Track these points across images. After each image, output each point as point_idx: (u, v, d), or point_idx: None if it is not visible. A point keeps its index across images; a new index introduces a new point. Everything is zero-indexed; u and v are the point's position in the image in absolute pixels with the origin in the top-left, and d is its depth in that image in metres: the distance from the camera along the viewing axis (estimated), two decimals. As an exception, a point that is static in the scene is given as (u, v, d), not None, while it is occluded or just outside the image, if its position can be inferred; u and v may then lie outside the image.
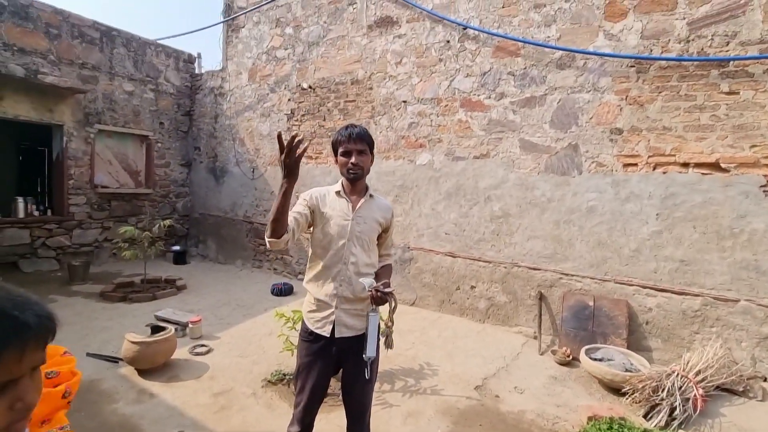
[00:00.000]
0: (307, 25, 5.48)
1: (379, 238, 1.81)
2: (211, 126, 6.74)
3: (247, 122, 6.27)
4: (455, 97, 4.44)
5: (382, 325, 1.72)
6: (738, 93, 3.18)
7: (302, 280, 5.45)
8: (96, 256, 6.00)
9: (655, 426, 2.50)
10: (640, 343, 3.57)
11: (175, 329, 3.47)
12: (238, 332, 3.97)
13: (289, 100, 5.75)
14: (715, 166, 3.29)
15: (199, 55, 7.00)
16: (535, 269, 4.10)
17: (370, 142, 1.73)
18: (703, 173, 3.34)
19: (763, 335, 3.14)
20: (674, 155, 3.44)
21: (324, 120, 5.44)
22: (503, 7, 4.11)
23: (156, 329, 3.26)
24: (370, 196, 1.79)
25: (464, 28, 4.31)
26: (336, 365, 1.74)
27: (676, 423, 2.60)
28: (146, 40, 6.32)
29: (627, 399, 2.83)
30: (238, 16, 6.10)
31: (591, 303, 3.75)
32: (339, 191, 1.74)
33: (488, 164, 4.29)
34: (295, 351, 2.89)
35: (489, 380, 3.19)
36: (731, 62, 3.19)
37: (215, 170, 6.78)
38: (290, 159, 1.42)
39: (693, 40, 3.32)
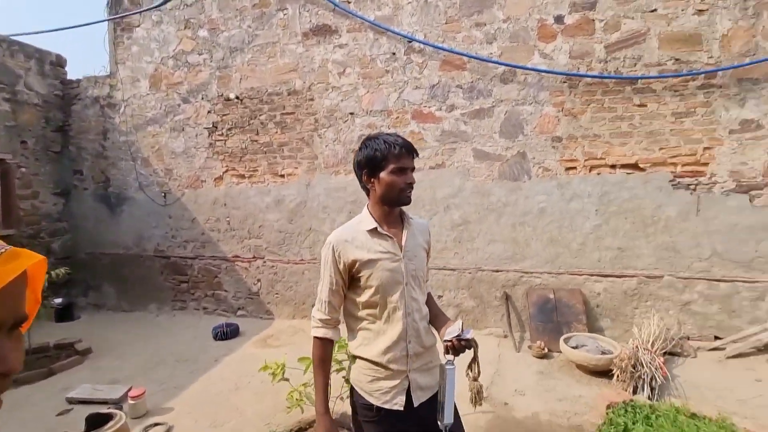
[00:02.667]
0: (227, 29, 4.85)
1: None
2: (99, 144, 5.46)
3: (152, 138, 5.25)
4: (406, 109, 4.42)
5: (466, 380, 1.43)
6: (646, 105, 3.85)
7: (243, 316, 4.79)
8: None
9: (646, 399, 2.82)
10: (595, 325, 4.04)
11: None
12: (195, 396, 3.26)
13: (209, 111, 5.00)
14: (636, 167, 3.92)
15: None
16: (497, 271, 4.32)
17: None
18: (627, 173, 3.95)
19: (683, 302, 3.84)
20: (604, 158, 3.99)
21: (257, 134, 4.88)
22: (446, 23, 4.25)
23: (95, 420, 2.44)
24: (409, 219, 1.46)
25: (409, 41, 4.33)
26: None
27: (656, 393, 2.99)
28: (-8, 35, 4.81)
29: (614, 380, 3.15)
30: (132, 14, 5.07)
31: (552, 296, 4.10)
32: (375, 228, 1.37)
33: (445, 174, 4.38)
34: (304, 407, 2.50)
35: (490, 389, 3.21)
36: (639, 80, 3.84)
37: (108, 198, 5.52)
38: None
39: (610, 60, 3.91)
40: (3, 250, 0.43)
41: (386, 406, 1.33)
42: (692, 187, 3.78)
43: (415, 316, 1.38)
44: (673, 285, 3.86)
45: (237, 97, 4.88)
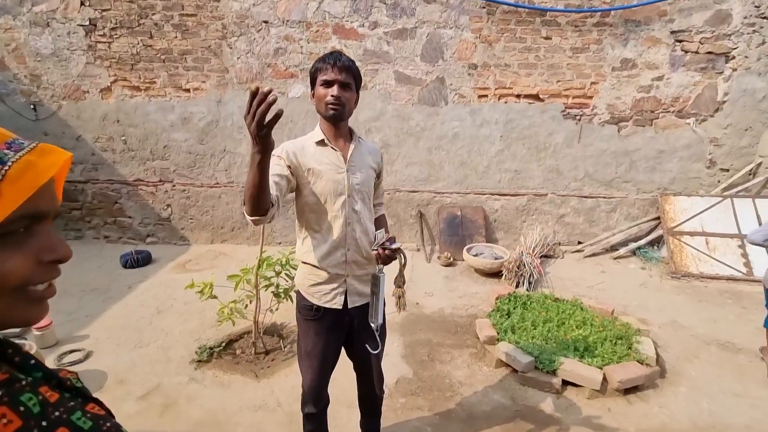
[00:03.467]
0: None
1: None
2: None
3: (3, 33, 4.16)
4: (326, 23, 4.14)
5: (392, 286, 1.57)
6: (551, 38, 4.16)
7: (154, 243, 4.56)
8: None
9: (525, 291, 3.52)
10: (492, 236, 4.72)
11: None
12: (112, 322, 3.17)
13: (83, 4, 4.07)
14: (536, 97, 4.34)
15: None
16: (414, 192, 4.66)
17: (357, 76, 1.44)
18: (529, 103, 4.36)
19: (560, 215, 4.64)
20: (512, 88, 4.32)
21: (151, 37, 4.17)
22: (370, -76, 3.89)
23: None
24: (359, 139, 1.55)
25: (329, -59, 3.90)
26: (347, 336, 1.62)
27: (532, 286, 3.74)
28: None
29: (503, 279, 3.83)
30: None
31: (459, 213, 4.62)
32: (322, 140, 1.45)
33: (367, 96, 4.35)
34: (235, 320, 2.63)
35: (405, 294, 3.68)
36: (548, 12, 4.08)
37: (-49, 108, 4.41)
38: (257, 125, 1.04)
39: (525, -11, 4.04)
40: (33, 145, 0.43)
41: (326, 305, 1.50)
42: (578, 117, 4.36)
43: (356, 227, 1.49)
44: (553, 201, 4.61)
45: (119, -12, 4.02)
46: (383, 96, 4.36)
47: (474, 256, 4.12)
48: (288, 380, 2.49)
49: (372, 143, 1.66)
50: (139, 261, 4.21)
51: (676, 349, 2.79)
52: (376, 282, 1.43)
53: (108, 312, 3.33)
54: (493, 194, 4.64)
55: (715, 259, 4.00)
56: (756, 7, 3.98)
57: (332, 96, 1.36)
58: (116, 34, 4.17)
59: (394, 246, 1.39)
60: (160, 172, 4.63)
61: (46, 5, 4.09)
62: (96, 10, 4.09)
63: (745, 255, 4.00)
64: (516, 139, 4.45)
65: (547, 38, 4.15)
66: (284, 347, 2.84)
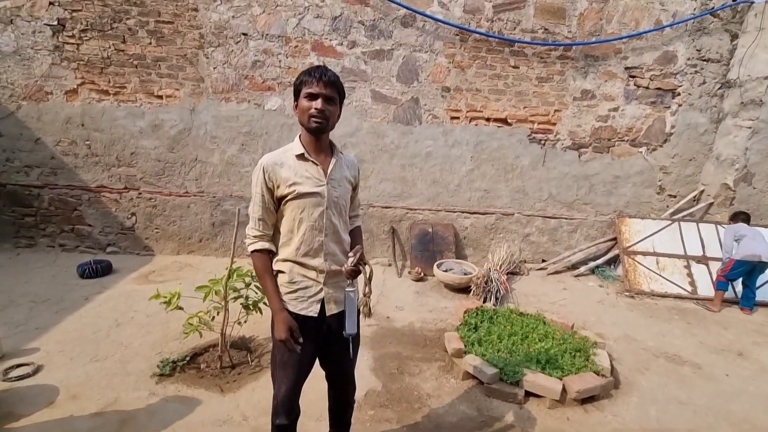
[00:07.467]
0: None
1: None
2: None
3: (-39, 27, 3.97)
4: (306, 39, 4.22)
5: (360, 296, 1.63)
6: (519, 67, 4.44)
7: (114, 253, 4.38)
8: None
9: (492, 306, 3.64)
10: (461, 252, 4.85)
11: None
12: (65, 335, 2.99)
13: (52, 3, 3.96)
14: (504, 121, 4.58)
15: None
16: (387, 207, 4.74)
17: (341, 91, 1.48)
18: (498, 126, 4.59)
19: (525, 234, 4.86)
20: (482, 111, 4.54)
21: (124, 42, 4.10)
22: (351, -51, 4.05)
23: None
24: (340, 153, 1.59)
25: (311, -38, 4.03)
26: (322, 344, 1.62)
27: (499, 301, 3.87)
28: None
29: (471, 294, 3.94)
30: None
31: (430, 229, 4.73)
32: (302, 153, 1.46)
33: (343, 113, 4.33)
34: (203, 332, 2.56)
35: (376, 307, 3.71)
36: (516, 43, 4.37)
37: None
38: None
39: (495, 21, 4.31)
40: None
41: (302, 313, 1.51)
42: (542, 142, 4.63)
43: (332, 237, 1.53)
44: (519, 221, 4.82)
45: (93, -10, 3.95)
46: (359, 113, 4.46)
47: (444, 271, 4.21)
48: (255, 394, 2.44)
49: (350, 156, 1.71)
50: (99, 271, 4.01)
51: (628, 361, 2.96)
52: (345, 296, 1.50)
53: (61, 324, 3.14)
54: (463, 212, 4.79)
55: (664, 277, 4.30)
56: (698, 50, 4.44)
57: (316, 109, 1.39)
58: (86, 36, 4.07)
59: (354, 258, 1.49)
60: (125, 179, 4.48)
61: (11, 2, 3.94)
62: (66, 10, 3.99)
63: (690, 275, 4.33)
64: (486, 160, 4.66)
65: (515, 67, 4.43)
66: (252, 361, 2.78)
